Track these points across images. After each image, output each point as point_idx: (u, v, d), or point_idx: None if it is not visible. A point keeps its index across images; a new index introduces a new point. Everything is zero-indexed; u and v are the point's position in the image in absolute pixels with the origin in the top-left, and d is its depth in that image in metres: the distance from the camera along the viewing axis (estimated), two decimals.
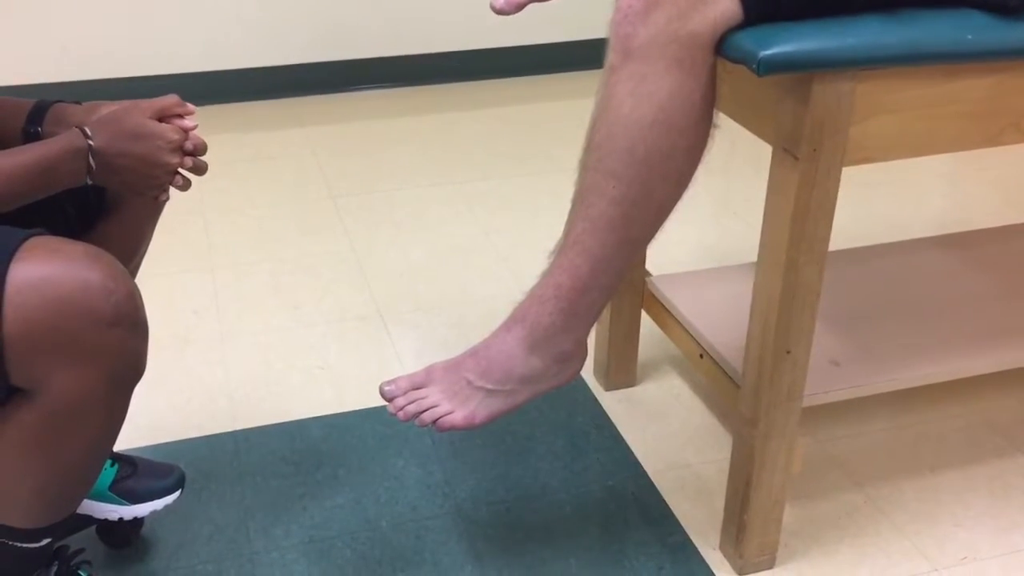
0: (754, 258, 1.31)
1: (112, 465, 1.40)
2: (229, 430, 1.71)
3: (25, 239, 1.01)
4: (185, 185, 1.18)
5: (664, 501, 1.57)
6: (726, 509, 1.45)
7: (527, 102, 3.13)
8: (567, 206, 1.24)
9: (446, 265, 2.22)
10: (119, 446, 1.38)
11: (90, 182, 1.12)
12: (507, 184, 2.60)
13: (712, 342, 1.52)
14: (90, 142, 1.10)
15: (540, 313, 1.26)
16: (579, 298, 1.25)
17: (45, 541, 1.16)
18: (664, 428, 1.73)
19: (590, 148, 1.20)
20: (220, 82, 3.00)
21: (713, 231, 2.37)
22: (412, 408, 1.29)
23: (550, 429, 1.72)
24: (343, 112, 3.03)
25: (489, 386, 1.28)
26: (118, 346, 1.04)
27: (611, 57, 1.16)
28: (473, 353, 1.30)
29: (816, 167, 1.18)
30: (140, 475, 1.41)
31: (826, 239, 1.23)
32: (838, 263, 1.67)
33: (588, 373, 1.84)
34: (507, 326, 1.28)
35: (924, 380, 1.49)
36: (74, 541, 1.32)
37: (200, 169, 1.18)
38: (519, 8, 1.21)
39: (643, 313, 1.74)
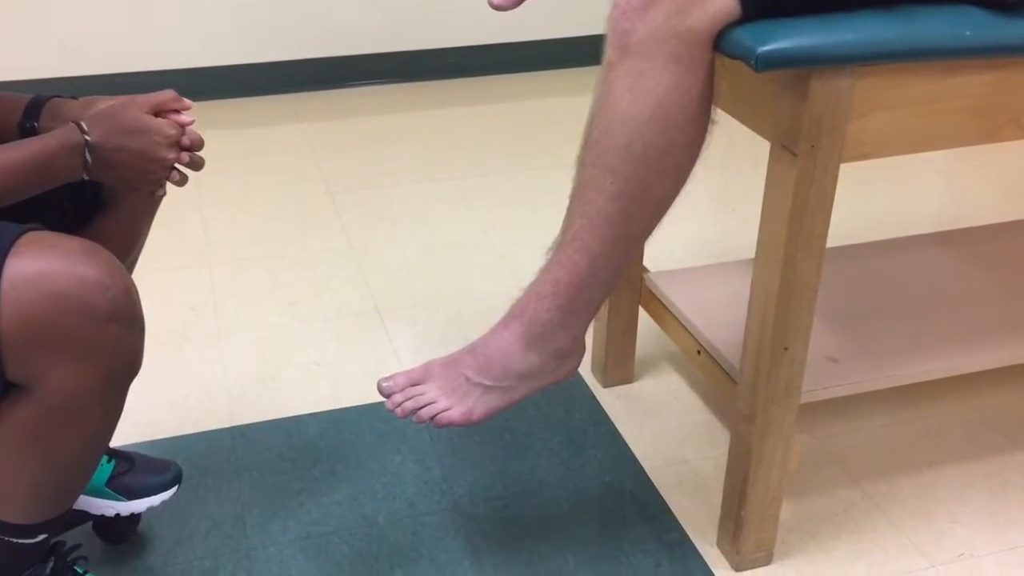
0: (752, 254, 1.31)
1: (109, 461, 1.40)
2: (226, 426, 1.71)
3: (21, 234, 1.01)
4: (182, 180, 1.18)
5: (661, 497, 1.57)
6: (723, 505, 1.45)
7: (525, 98, 3.13)
8: (565, 202, 1.24)
9: (444, 261, 2.22)
10: (116, 442, 1.38)
11: (86, 177, 1.12)
12: (505, 180, 2.60)
13: (710, 338, 1.52)
14: (87, 137, 1.10)
15: (538, 309, 1.26)
16: (577, 294, 1.25)
17: (41, 537, 1.16)
18: (662, 424, 1.73)
19: (588, 144, 1.20)
20: (217, 78, 3.00)
21: (711, 227, 2.37)
22: (410, 404, 1.29)
23: (548, 425, 1.72)
24: (341, 108, 3.03)
25: (487, 382, 1.28)
26: (114, 342, 1.04)
27: (609, 53, 1.16)
28: (471, 349, 1.30)
29: (814, 163, 1.18)
30: (137, 471, 1.41)
31: (824, 235, 1.23)
32: (836, 260, 1.67)
33: (586, 369, 1.84)
34: (505, 322, 1.28)
35: (922, 377, 1.49)
36: (70, 537, 1.32)
37: (197, 164, 1.18)
38: (517, 4, 1.21)
39: (641, 309, 1.74)
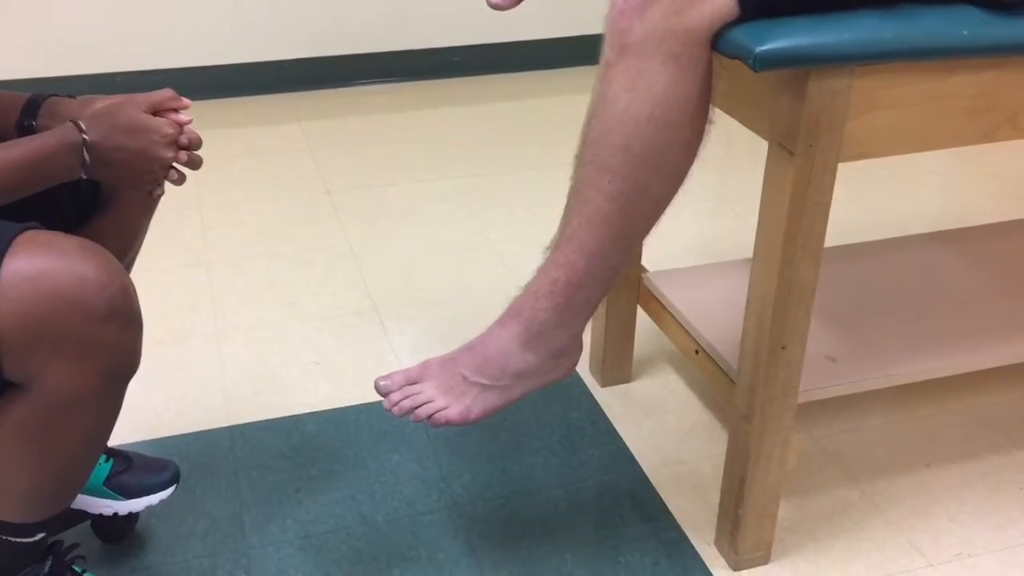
0: (750, 254, 1.31)
1: (107, 460, 1.40)
2: (224, 425, 1.71)
3: (19, 233, 1.01)
4: (180, 179, 1.18)
5: (659, 496, 1.57)
6: (721, 504, 1.45)
7: (524, 97, 3.13)
8: (563, 201, 1.24)
9: (442, 260, 2.22)
10: (114, 441, 1.38)
11: (84, 176, 1.12)
12: (503, 179, 2.60)
13: (708, 338, 1.52)
14: (85, 136, 1.10)
15: (535, 308, 1.26)
16: (575, 293, 1.25)
17: (39, 536, 1.16)
18: (660, 424, 1.73)
19: (586, 143, 1.20)
20: (216, 77, 2.99)
21: (709, 227, 2.37)
22: (407, 403, 1.29)
23: (546, 425, 1.72)
24: (339, 107, 3.03)
25: (484, 381, 1.28)
26: (112, 341, 1.04)
27: (607, 52, 1.16)
28: (469, 348, 1.30)
29: (812, 163, 1.18)
30: (135, 470, 1.41)
31: (822, 235, 1.23)
32: (834, 259, 1.67)
33: (584, 369, 1.84)
34: (502, 321, 1.28)
35: (920, 376, 1.49)
36: (69, 536, 1.32)
37: (195, 163, 1.18)
38: (516, 3, 1.21)
39: (639, 309, 1.74)
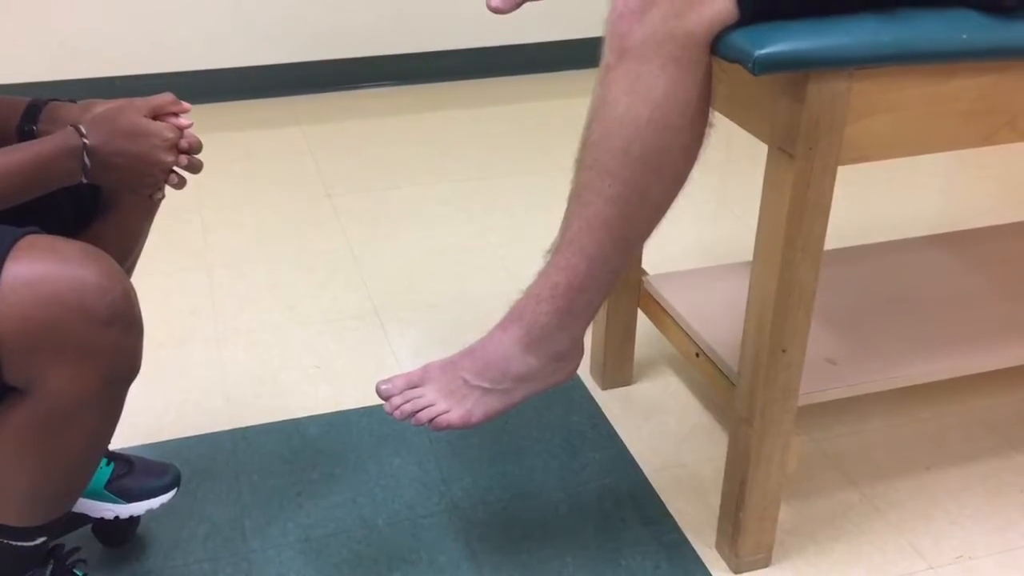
0: (750, 257, 1.31)
1: (108, 464, 1.40)
2: (225, 429, 1.71)
3: (20, 237, 1.01)
4: (180, 183, 1.18)
5: (660, 499, 1.57)
6: (722, 507, 1.45)
7: (524, 101, 3.13)
8: (564, 205, 1.24)
9: (443, 264, 2.22)
10: (115, 445, 1.39)
11: (85, 181, 1.12)
12: (504, 182, 2.60)
13: (708, 341, 1.52)
14: (85, 140, 1.10)
15: (536, 312, 1.26)
16: (575, 297, 1.25)
17: (40, 540, 1.16)
18: (660, 427, 1.73)
19: (586, 147, 1.20)
20: (216, 80, 3.00)
21: (709, 230, 2.37)
22: (408, 407, 1.29)
23: (547, 428, 1.72)
24: (339, 111, 3.03)
25: (485, 385, 1.28)
26: (113, 345, 1.04)
27: (607, 56, 1.16)
28: (469, 352, 1.30)
29: (812, 166, 1.18)
30: (136, 474, 1.41)
31: (822, 238, 1.24)
32: (834, 262, 1.67)
33: (584, 372, 1.84)
34: (503, 325, 1.28)
35: (920, 379, 1.49)
36: (70, 540, 1.32)
37: (195, 167, 1.18)
38: (515, 7, 1.21)
39: (639, 312, 1.74)
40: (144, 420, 1.72)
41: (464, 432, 1.68)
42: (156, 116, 1.15)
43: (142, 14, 2.87)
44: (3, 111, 1.22)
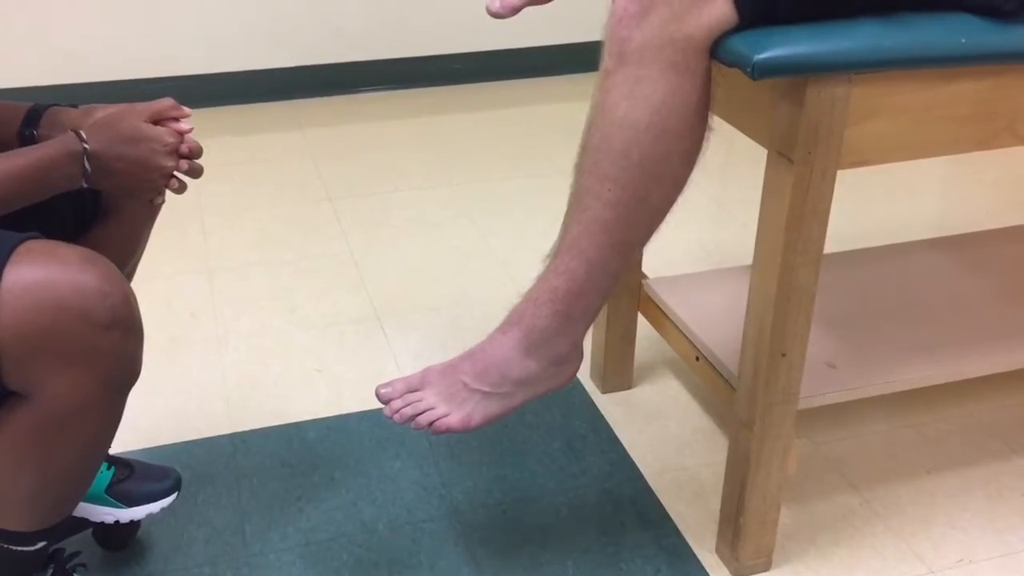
0: (750, 261, 1.31)
1: (108, 468, 1.40)
2: (226, 432, 1.71)
3: (20, 242, 1.01)
4: (181, 188, 1.18)
5: (660, 503, 1.57)
6: (722, 511, 1.45)
7: (524, 105, 3.14)
8: (564, 209, 1.24)
9: (443, 267, 2.22)
10: (115, 449, 1.39)
11: (86, 185, 1.12)
12: (504, 186, 2.60)
13: (708, 344, 1.52)
14: (85, 145, 1.10)
15: (536, 316, 1.26)
16: (575, 301, 1.25)
17: (40, 544, 1.16)
18: (660, 430, 1.73)
19: (585, 151, 1.20)
20: (216, 85, 3.00)
21: (709, 234, 2.37)
22: (408, 411, 1.29)
23: (547, 432, 1.72)
24: (340, 114, 3.03)
25: (485, 389, 1.28)
26: (113, 349, 1.04)
27: (606, 60, 1.16)
28: (469, 355, 1.30)
29: (811, 170, 1.18)
30: (136, 478, 1.41)
31: (821, 241, 1.24)
32: (834, 265, 1.68)
33: (584, 376, 1.84)
34: (503, 329, 1.29)
35: (920, 382, 1.49)
36: (70, 544, 1.32)
37: (196, 172, 1.19)
38: (515, 11, 1.21)
39: (639, 316, 1.74)
40: (144, 424, 1.72)
41: (464, 436, 1.69)
42: (157, 121, 1.16)
43: (142, 19, 2.88)
44: (4, 116, 1.23)
